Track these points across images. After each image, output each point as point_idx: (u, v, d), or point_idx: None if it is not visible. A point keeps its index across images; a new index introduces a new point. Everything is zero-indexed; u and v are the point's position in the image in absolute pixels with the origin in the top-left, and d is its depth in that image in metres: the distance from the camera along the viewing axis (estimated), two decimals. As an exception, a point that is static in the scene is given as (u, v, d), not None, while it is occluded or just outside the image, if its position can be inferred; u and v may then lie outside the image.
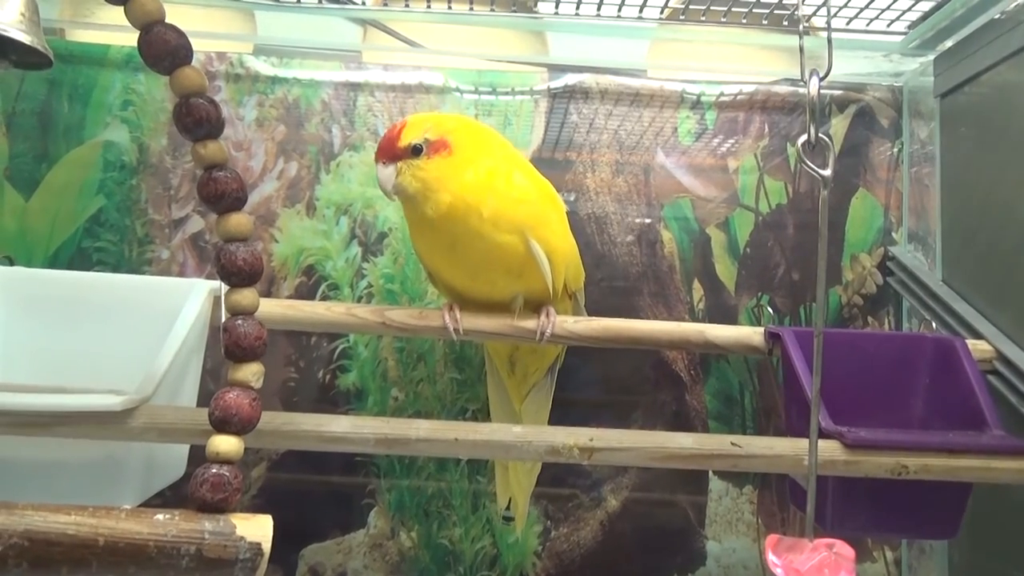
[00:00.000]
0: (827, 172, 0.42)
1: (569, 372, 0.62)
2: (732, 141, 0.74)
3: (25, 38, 0.38)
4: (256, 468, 0.69)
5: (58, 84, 0.71)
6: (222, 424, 0.38)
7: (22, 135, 0.71)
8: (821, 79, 0.42)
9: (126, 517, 0.36)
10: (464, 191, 0.51)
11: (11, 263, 0.62)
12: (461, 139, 0.52)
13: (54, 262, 0.70)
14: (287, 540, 0.69)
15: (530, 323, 0.55)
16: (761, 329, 0.57)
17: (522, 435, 0.48)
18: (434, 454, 0.48)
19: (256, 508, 0.68)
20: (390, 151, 0.52)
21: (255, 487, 0.69)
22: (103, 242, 0.70)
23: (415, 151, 0.51)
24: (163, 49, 0.37)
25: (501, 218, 0.52)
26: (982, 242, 0.64)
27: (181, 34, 0.37)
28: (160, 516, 0.36)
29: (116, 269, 0.70)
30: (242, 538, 0.36)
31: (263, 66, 0.73)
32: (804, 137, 0.42)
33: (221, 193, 0.39)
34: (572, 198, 0.73)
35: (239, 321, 0.39)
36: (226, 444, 0.38)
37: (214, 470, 0.37)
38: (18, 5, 0.38)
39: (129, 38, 0.37)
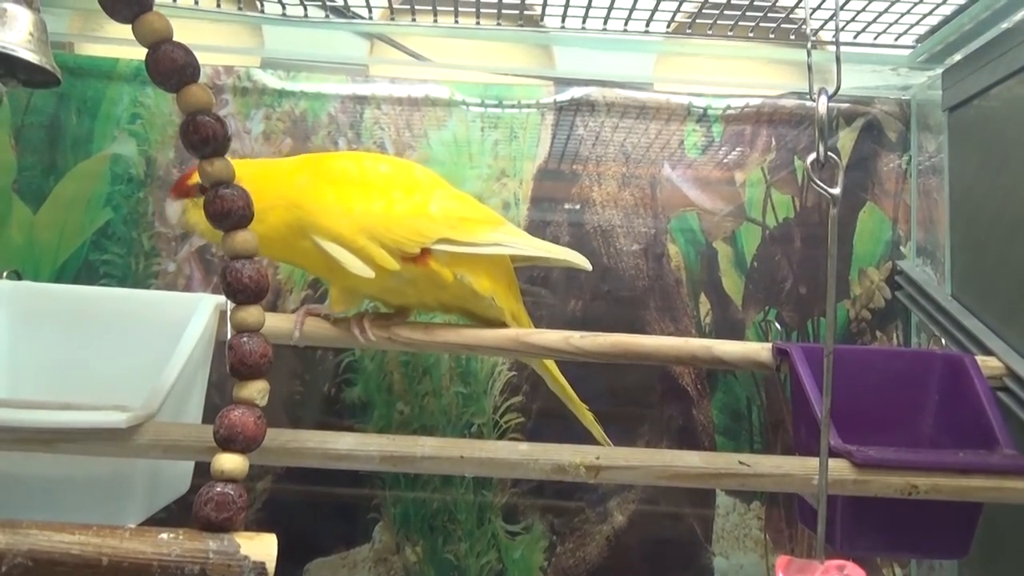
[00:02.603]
0: (836, 190, 0.41)
1: (575, 385, 0.62)
2: (739, 154, 0.74)
3: (33, 57, 0.38)
4: (261, 481, 0.69)
5: (67, 97, 0.71)
6: (227, 442, 0.38)
7: (30, 148, 0.71)
8: (830, 97, 0.42)
9: (130, 536, 0.36)
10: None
11: (19, 277, 0.62)
12: (243, 182, 0.53)
13: (61, 275, 0.70)
14: (292, 555, 0.68)
15: (540, 337, 0.56)
16: (769, 345, 0.57)
17: (528, 453, 0.47)
18: (440, 471, 0.47)
19: (261, 522, 0.68)
20: (180, 187, 0.54)
21: (260, 500, 0.69)
22: (110, 255, 0.71)
23: (201, 189, 0.52)
24: (170, 67, 0.37)
25: (287, 237, 0.53)
26: (991, 256, 0.63)
27: (188, 52, 0.37)
28: (164, 535, 0.36)
29: (123, 282, 0.70)
30: (246, 557, 0.36)
31: (270, 79, 0.73)
32: (813, 155, 0.42)
33: (227, 211, 0.38)
34: (578, 209, 0.73)
35: (244, 338, 0.39)
36: (231, 463, 0.38)
37: (219, 489, 0.37)
38: (27, 25, 0.38)
39: (137, 52, 0.37)
